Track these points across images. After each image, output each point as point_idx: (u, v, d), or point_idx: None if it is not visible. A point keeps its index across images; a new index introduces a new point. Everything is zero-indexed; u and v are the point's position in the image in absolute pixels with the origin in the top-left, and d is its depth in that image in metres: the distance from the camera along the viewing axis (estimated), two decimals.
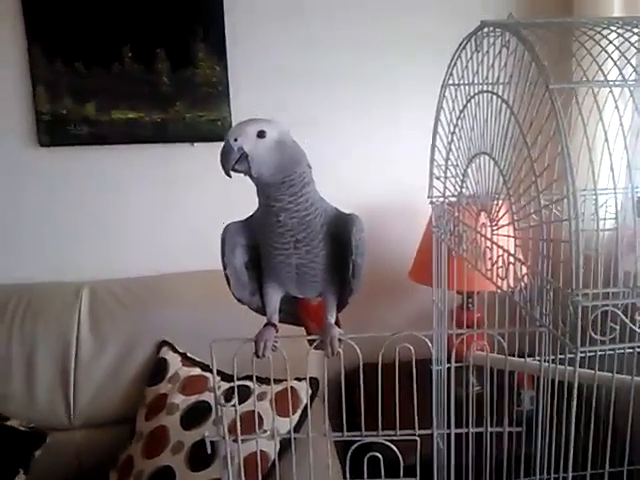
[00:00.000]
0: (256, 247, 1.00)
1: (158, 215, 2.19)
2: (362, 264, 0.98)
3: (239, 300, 1.05)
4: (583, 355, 1.14)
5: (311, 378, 1.74)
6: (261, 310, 1.05)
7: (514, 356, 1.13)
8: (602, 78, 0.96)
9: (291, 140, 0.93)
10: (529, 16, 2.07)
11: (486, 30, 1.05)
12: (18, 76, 2.04)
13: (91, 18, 1.99)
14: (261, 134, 0.89)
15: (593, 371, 0.93)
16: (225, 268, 1.01)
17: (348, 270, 0.98)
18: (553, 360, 0.96)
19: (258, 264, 1.02)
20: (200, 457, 1.61)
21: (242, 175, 0.92)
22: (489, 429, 1.01)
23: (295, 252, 0.95)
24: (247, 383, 1.67)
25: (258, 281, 1.04)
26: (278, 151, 0.90)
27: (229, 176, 0.90)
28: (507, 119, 0.98)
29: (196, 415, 1.72)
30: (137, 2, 1.99)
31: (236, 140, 0.88)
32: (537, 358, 1.10)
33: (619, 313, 0.81)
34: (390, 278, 2.23)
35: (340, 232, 0.96)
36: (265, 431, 1.05)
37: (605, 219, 1.28)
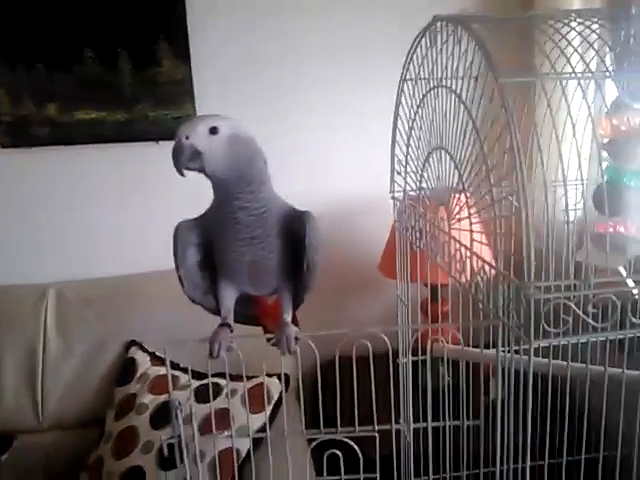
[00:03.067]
0: (209, 245, 0.99)
1: (124, 214, 2.17)
2: (317, 261, 0.98)
3: (192, 300, 1.04)
4: (546, 346, 1.16)
5: (279, 375, 1.73)
6: (215, 310, 1.04)
7: (480, 347, 1.14)
8: (552, 71, 0.97)
9: (246, 135, 0.91)
10: (488, 10, 2.08)
11: (439, 24, 1.05)
12: None
13: (51, 20, 1.96)
14: (213, 130, 0.87)
15: (547, 360, 0.95)
16: (177, 268, 1.00)
17: (304, 266, 0.98)
18: (509, 351, 0.97)
19: (211, 263, 1.01)
20: (170, 456, 1.61)
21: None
22: (448, 423, 1.02)
23: (250, 249, 0.94)
24: (219, 381, 1.69)
25: (211, 280, 1.03)
26: (232, 147, 0.88)
27: (182, 175, 0.89)
28: (461, 114, 0.99)
29: (166, 414, 1.70)
30: (97, 3, 1.96)
31: (187, 138, 0.86)
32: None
33: (572, 305, 0.82)
34: (360, 272, 2.23)
35: (295, 229, 0.96)
36: (222, 432, 1.04)
37: (567, 210, 1.29)
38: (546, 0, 1.95)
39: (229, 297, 1.01)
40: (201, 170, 0.89)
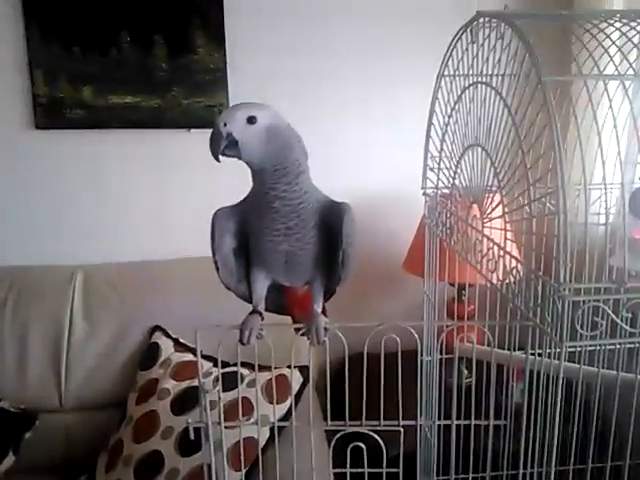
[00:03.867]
0: (245, 233, 0.99)
1: (154, 200, 2.19)
2: (352, 253, 0.98)
3: (226, 287, 1.04)
4: (573, 350, 1.15)
5: (303, 366, 1.74)
6: (247, 298, 1.04)
7: (505, 349, 1.13)
8: (598, 72, 0.95)
9: (285, 126, 0.91)
10: (527, 8, 2.05)
11: (482, 21, 1.04)
12: (16, 59, 2.02)
13: (89, 3, 1.98)
14: (251, 120, 0.87)
15: (578, 365, 0.93)
16: (214, 254, 1.00)
17: (338, 259, 0.97)
18: (540, 354, 0.96)
19: (246, 251, 1.01)
20: (190, 442, 1.61)
21: (237, 161, 0.91)
22: (474, 422, 1.01)
23: (286, 239, 0.94)
24: (241, 370, 1.69)
25: (245, 268, 1.03)
26: (269, 137, 0.89)
27: (218, 161, 0.89)
28: (500, 111, 0.98)
29: (187, 401, 1.72)
30: None
31: (225, 125, 0.87)
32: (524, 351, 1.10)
33: (606, 309, 0.81)
34: (384, 269, 2.23)
35: (331, 221, 0.96)
36: (249, 419, 1.05)
37: (599, 214, 1.27)
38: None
39: (261, 285, 1.02)
40: (238, 157, 0.89)
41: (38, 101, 2.03)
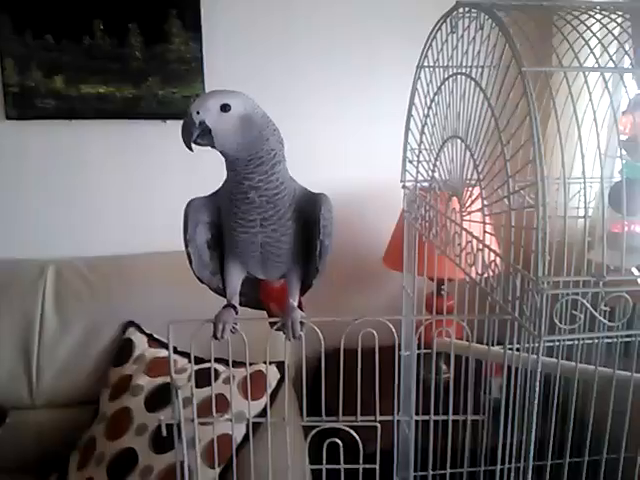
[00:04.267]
0: (219, 225, 0.97)
1: (127, 193, 2.14)
2: (329, 245, 0.96)
3: (199, 279, 1.02)
4: (551, 345, 1.14)
5: (279, 362, 1.72)
6: (221, 291, 1.02)
7: (484, 344, 1.12)
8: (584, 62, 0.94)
9: (260, 114, 0.89)
10: None
11: (461, 11, 1.03)
12: None
13: None
14: (225, 107, 0.85)
15: (556, 360, 0.92)
16: (187, 245, 0.98)
17: (315, 250, 0.96)
18: (518, 349, 0.95)
19: (220, 243, 0.99)
20: (164, 440, 1.58)
21: (213, 153, 0.89)
22: (451, 417, 1.00)
23: (261, 230, 0.92)
24: (217, 366, 1.66)
25: (219, 261, 1.01)
26: (244, 126, 0.86)
27: (190, 150, 0.87)
28: (480, 103, 0.96)
29: (161, 397, 1.70)
30: None
31: (198, 113, 0.84)
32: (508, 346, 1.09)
33: (585, 302, 0.80)
34: (364, 263, 2.22)
35: (308, 212, 0.94)
36: (222, 415, 1.02)
37: (578, 208, 1.27)
38: None
39: (236, 278, 0.99)
40: (211, 146, 0.87)
41: (8, 90, 1.97)
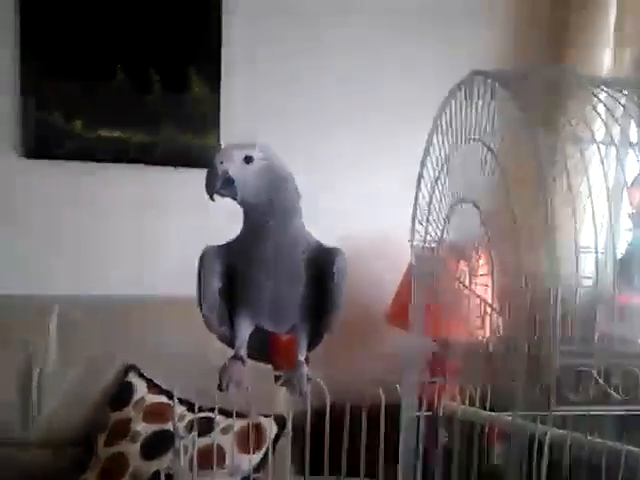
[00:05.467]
0: (231, 274, 0.97)
1: (136, 236, 2.17)
2: (341, 302, 0.96)
3: (209, 328, 1.01)
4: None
5: (278, 416, 1.69)
6: (228, 341, 1.01)
7: (486, 408, 1.10)
8: (589, 136, 0.97)
9: (280, 166, 0.91)
10: (516, 61, 2.12)
11: (476, 79, 1.06)
12: (8, 88, 2.03)
13: (85, 37, 2.00)
14: (248, 159, 0.87)
15: (566, 431, 0.91)
16: (199, 293, 0.97)
17: (327, 305, 0.95)
18: (526, 416, 0.94)
19: (231, 292, 0.99)
20: None
21: (224, 202, 0.90)
22: None
23: (274, 282, 0.92)
24: (211, 415, 1.64)
25: (227, 311, 1.00)
26: (265, 177, 0.88)
27: (212, 199, 0.88)
28: (492, 168, 0.98)
29: (158, 445, 1.68)
30: (134, 23, 2.01)
31: (222, 163, 0.86)
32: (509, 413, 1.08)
33: (595, 375, 0.79)
34: (367, 320, 2.20)
35: (321, 265, 0.94)
36: (223, 468, 1.01)
37: (583, 277, 1.27)
38: (574, 59, 1.99)
39: (244, 329, 0.98)
40: (233, 196, 0.88)
41: (28, 130, 2.02)
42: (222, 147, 0.90)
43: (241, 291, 0.97)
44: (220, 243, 0.98)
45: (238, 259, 0.95)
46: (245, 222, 0.93)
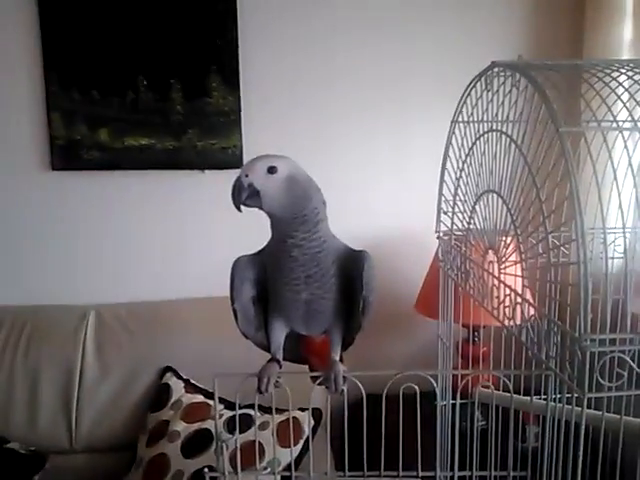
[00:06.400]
0: (263, 281, 1.00)
1: (167, 241, 2.20)
2: (372, 301, 0.98)
3: (244, 335, 1.04)
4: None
5: (314, 409, 1.72)
6: (264, 346, 1.04)
7: (519, 392, 1.11)
8: (611, 119, 0.97)
9: (304, 176, 0.93)
10: (539, 54, 2.10)
11: (496, 70, 1.06)
12: (34, 102, 2.07)
13: (107, 48, 2.03)
14: (272, 170, 0.89)
15: (600, 412, 0.92)
16: (233, 302, 1.00)
17: (357, 307, 0.97)
18: (560, 400, 0.95)
19: (264, 299, 1.02)
20: None
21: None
22: (493, 473, 0.99)
23: (306, 288, 0.94)
24: (250, 412, 1.67)
25: (263, 316, 1.03)
26: (289, 187, 0.90)
27: (239, 210, 0.91)
28: (516, 158, 0.99)
29: (197, 443, 1.71)
30: (153, 34, 2.04)
31: (247, 176, 0.89)
32: (543, 397, 1.09)
33: (628, 360, 0.80)
34: (396, 310, 2.22)
35: (350, 269, 0.96)
36: (266, 468, 1.03)
37: (613, 258, 1.27)
38: (595, 50, 1.97)
39: (279, 333, 1.01)
40: (259, 207, 0.91)
41: (55, 143, 2.07)
42: (245, 152, 0.92)
43: (274, 298, 1.00)
44: (253, 248, 1.00)
45: (269, 267, 0.98)
46: (273, 232, 0.95)
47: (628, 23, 1.93)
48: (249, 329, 1.03)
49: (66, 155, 2.07)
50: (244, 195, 0.89)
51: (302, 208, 0.91)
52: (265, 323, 1.03)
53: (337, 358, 1.00)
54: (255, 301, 1.02)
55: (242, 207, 0.90)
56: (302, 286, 0.94)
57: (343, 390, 0.95)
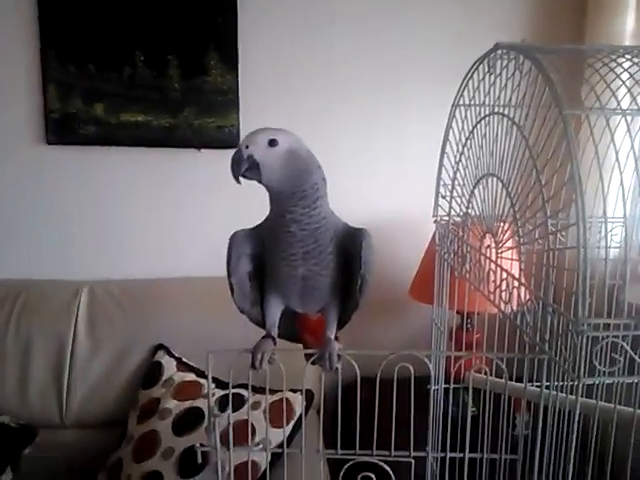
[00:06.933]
0: (261, 256, 0.99)
1: (162, 218, 2.19)
2: (369, 279, 0.97)
3: (240, 310, 1.04)
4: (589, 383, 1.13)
5: (307, 390, 1.72)
6: (259, 322, 1.04)
7: (513, 379, 1.12)
8: (614, 104, 0.96)
9: (305, 151, 0.92)
10: (540, 42, 2.08)
11: (500, 52, 1.05)
12: (30, 75, 2.04)
13: (105, 23, 2.01)
14: (272, 142, 0.88)
15: (595, 401, 0.92)
16: (230, 276, 0.99)
17: (355, 285, 0.97)
18: (549, 386, 0.95)
19: (261, 274, 1.01)
20: (190, 464, 1.60)
21: (250, 182, 0.91)
22: (485, 455, 1.00)
23: (303, 264, 0.94)
24: (241, 391, 1.68)
25: (259, 292, 1.03)
26: (289, 161, 0.89)
27: (238, 182, 0.90)
28: (517, 142, 0.98)
29: (188, 421, 1.71)
30: (152, 10, 2.01)
31: (247, 147, 0.88)
32: (537, 384, 1.09)
33: (625, 345, 0.80)
34: (390, 294, 2.22)
35: (349, 247, 0.96)
36: (258, 444, 1.03)
37: (610, 247, 1.27)
38: (597, 35, 1.97)
39: (275, 310, 1.01)
40: (258, 180, 0.90)
41: (50, 117, 2.04)
42: (242, 131, 0.91)
43: (271, 274, 0.99)
44: (249, 226, 1.00)
45: (267, 242, 0.97)
46: (272, 207, 0.94)
47: (631, 13, 1.93)
48: (245, 304, 1.03)
49: (61, 129, 2.05)
50: (243, 166, 0.88)
51: (302, 183, 0.90)
52: (260, 299, 1.03)
53: (332, 336, 0.99)
54: (251, 276, 1.01)
55: (242, 180, 0.89)
56: (299, 262, 0.93)
57: (337, 368, 0.95)
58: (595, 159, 0.89)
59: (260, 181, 0.90)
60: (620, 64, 1.01)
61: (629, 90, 0.98)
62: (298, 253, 0.93)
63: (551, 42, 2.10)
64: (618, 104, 0.94)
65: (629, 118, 0.94)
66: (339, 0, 2.10)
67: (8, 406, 1.88)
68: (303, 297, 0.99)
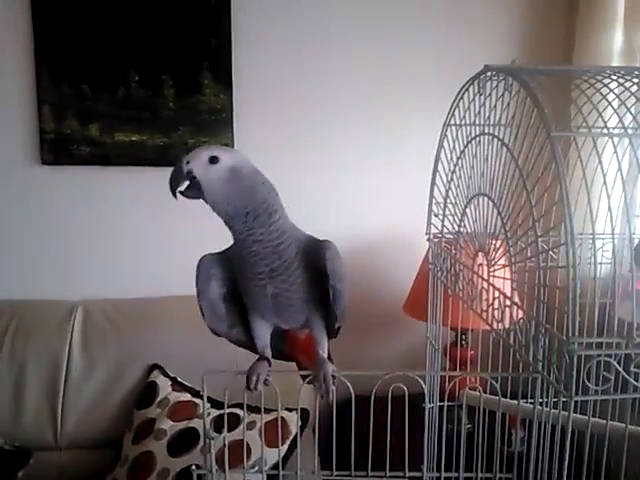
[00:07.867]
0: (234, 279, 0.98)
1: (155, 238, 2.19)
2: (342, 289, 0.96)
3: (214, 332, 1.03)
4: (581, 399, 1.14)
5: (302, 409, 1.72)
6: (242, 343, 1.04)
7: (506, 396, 1.12)
8: (602, 125, 0.98)
9: (249, 169, 0.90)
10: (531, 61, 2.12)
11: (489, 74, 1.07)
12: (24, 96, 2.05)
13: (99, 43, 2.02)
14: (213, 160, 0.87)
15: (587, 417, 0.93)
16: (199, 299, 0.99)
17: (330, 296, 0.95)
18: (547, 404, 0.95)
19: (239, 296, 1.00)
20: None
21: None
22: (479, 475, 1.00)
23: (270, 282, 0.93)
24: (236, 411, 1.68)
25: (238, 314, 1.02)
26: (231, 179, 0.87)
27: (175, 197, 0.89)
28: (507, 162, 0.99)
29: (183, 442, 1.71)
30: (146, 30, 2.03)
31: (188, 163, 0.87)
32: (530, 401, 1.09)
33: (615, 364, 0.81)
34: (385, 310, 2.23)
35: (314, 259, 0.94)
36: (253, 466, 1.03)
37: (601, 264, 1.28)
38: (585, 57, 1.99)
39: (263, 331, 1.01)
40: (200, 198, 0.89)
41: (45, 137, 2.05)
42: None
43: (245, 295, 0.99)
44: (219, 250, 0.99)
45: (235, 264, 0.96)
46: (231, 231, 0.93)
47: (619, 30, 1.96)
48: (219, 326, 1.02)
49: (56, 149, 2.06)
50: (182, 182, 0.87)
51: (250, 201, 0.89)
52: (242, 320, 1.02)
53: (325, 355, 0.99)
54: (228, 299, 1.00)
55: (185, 199, 0.89)
56: (267, 280, 0.93)
57: (333, 391, 0.94)
58: (586, 177, 0.90)
59: (205, 200, 0.89)
60: (606, 85, 1.03)
61: (615, 111, 0.99)
62: (264, 272, 0.92)
63: (541, 61, 2.13)
64: (605, 125, 0.95)
65: (616, 139, 0.96)
66: (332, 19, 2.13)
67: (2, 428, 1.87)
68: (278, 314, 0.98)
